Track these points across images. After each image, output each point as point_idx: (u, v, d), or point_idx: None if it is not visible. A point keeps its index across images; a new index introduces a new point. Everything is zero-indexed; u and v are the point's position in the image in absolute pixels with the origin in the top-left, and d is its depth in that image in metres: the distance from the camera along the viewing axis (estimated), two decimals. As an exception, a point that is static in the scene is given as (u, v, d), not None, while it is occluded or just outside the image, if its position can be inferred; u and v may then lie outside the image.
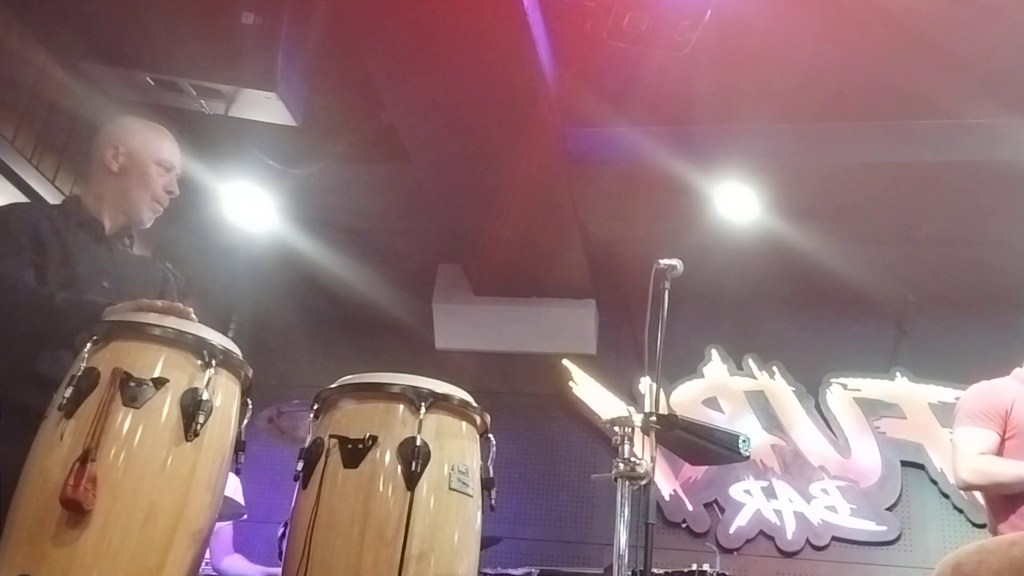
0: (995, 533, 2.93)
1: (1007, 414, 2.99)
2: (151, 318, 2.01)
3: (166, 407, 1.89)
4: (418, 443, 2.01)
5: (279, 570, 4.00)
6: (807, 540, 4.80)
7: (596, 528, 4.92)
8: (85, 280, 2.37)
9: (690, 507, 4.97)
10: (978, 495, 4.53)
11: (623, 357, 5.24)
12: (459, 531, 2.06)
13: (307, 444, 2.11)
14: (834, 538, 4.79)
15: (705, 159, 4.24)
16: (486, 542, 2.35)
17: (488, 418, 2.23)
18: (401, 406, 2.08)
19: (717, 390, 5.18)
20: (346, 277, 5.23)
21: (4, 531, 1.80)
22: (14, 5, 3.87)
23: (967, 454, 2.97)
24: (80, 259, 2.42)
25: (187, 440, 1.88)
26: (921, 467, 4.86)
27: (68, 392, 1.85)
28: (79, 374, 1.88)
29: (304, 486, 2.06)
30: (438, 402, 2.10)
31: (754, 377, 5.16)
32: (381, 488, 1.98)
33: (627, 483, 2.39)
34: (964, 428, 3.03)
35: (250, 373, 2.11)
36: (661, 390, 2.68)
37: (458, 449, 2.12)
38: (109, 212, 2.55)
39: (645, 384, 3.03)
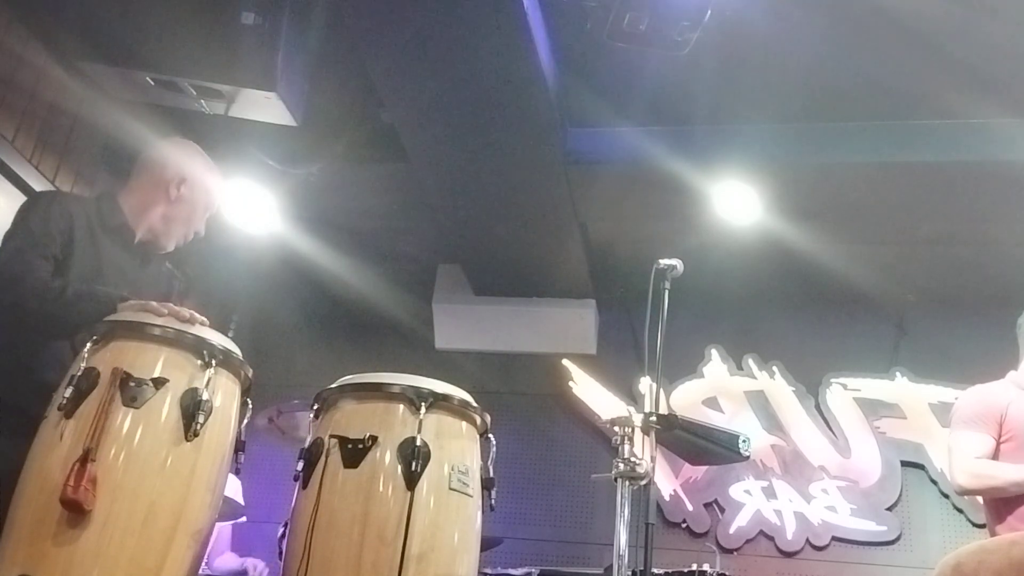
0: (993, 535, 2.93)
1: (1002, 418, 2.99)
2: (151, 318, 2.01)
3: (166, 407, 1.89)
4: (418, 443, 2.02)
5: (259, 561, 4.01)
6: (807, 540, 4.80)
7: (596, 528, 4.92)
8: (110, 284, 2.38)
9: (690, 507, 4.97)
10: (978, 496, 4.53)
11: (623, 357, 5.23)
12: (459, 531, 2.06)
13: (307, 444, 2.11)
14: (834, 538, 4.79)
15: (705, 159, 4.24)
16: (487, 543, 2.35)
17: (488, 418, 2.24)
18: (401, 406, 2.09)
19: (717, 390, 5.18)
20: (346, 277, 5.23)
21: (4, 531, 1.80)
22: (14, 5, 3.87)
23: (963, 459, 2.97)
24: (107, 264, 2.47)
25: (187, 440, 1.88)
26: (921, 467, 4.86)
27: (68, 392, 1.85)
28: (79, 374, 1.88)
29: (304, 486, 2.06)
30: (438, 402, 2.11)
31: (754, 377, 5.16)
32: (381, 488, 1.98)
33: (627, 483, 2.39)
34: (960, 433, 3.04)
35: (250, 373, 2.11)
36: (661, 390, 2.68)
37: (458, 449, 2.12)
38: (144, 226, 2.60)
39: (645, 384, 3.02)
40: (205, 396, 1.91)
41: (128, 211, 2.58)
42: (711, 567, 3.31)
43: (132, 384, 1.87)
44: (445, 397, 2.13)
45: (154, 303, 2.05)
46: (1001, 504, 2.92)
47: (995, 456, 2.97)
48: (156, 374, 1.90)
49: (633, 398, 5.09)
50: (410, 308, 5.37)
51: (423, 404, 2.07)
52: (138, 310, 2.06)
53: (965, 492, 3.14)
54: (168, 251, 2.69)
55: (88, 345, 1.92)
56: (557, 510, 5.09)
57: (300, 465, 2.08)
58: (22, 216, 2.42)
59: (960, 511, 4.71)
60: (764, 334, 5.22)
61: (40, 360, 2.22)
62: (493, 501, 2.19)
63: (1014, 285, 4.77)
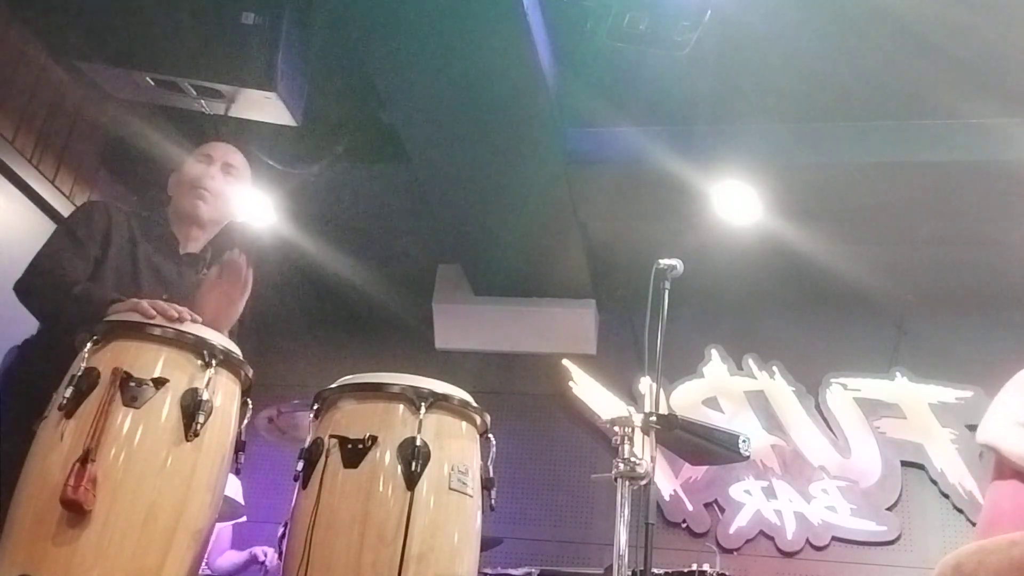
0: (990, 487, 2.93)
1: None
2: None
3: (166, 407, 1.89)
4: (418, 443, 2.01)
5: (262, 548, 3.99)
6: (807, 540, 4.80)
7: (596, 528, 4.92)
8: (147, 290, 2.40)
9: (690, 507, 4.97)
10: (977, 494, 4.54)
11: (623, 357, 5.23)
12: (459, 531, 2.06)
13: (307, 444, 2.11)
14: (834, 538, 4.79)
15: (705, 159, 4.24)
16: (487, 543, 2.35)
17: (488, 418, 2.23)
18: (401, 406, 2.09)
19: (717, 390, 5.18)
20: (346, 277, 5.24)
21: (4, 531, 1.80)
22: (14, 5, 3.87)
23: (1004, 417, 2.96)
24: (144, 269, 2.50)
25: (187, 440, 1.88)
26: (921, 467, 4.86)
27: (68, 392, 1.85)
28: (79, 374, 1.88)
29: (304, 486, 2.06)
30: (438, 402, 2.10)
31: (754, 377, 5.16)
32: (381, 488, 1.98)
33: (627, 483, 2.39)
34: (1013, 396, 3.03)
35: (250, 373, 2.11)
36: (661, 390, 2.68)
37: (458, 449, 2.12)
38: (179, 232, 2.66)
39: (645, 384, 3.02)
40: (205, 396, 1.91)
41: (173, 221, 2.66)
42: (711, 567, 3.31)
43: (132, 384, 1.86)
44: (445, 397, 2.12)
45: (144, 302, 2.04)
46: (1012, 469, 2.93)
47: None
48: (156, 374, 1.90)
49: (633, 398, 5.09)
50: (410, 308, 5.37)
51: (423, 404, 2.06)
52: (128, 310, 2.06)
53: (988, 446, 3.13)
54: (204, 219, 2.71)
55: (88, 345, 1.92)
56: (557, 510, 5.09)
57: (300, 465, 2.08)
58: (65, 221, 2.57)
59: (960, 511, 4.71)
60: (764, 334, 5.23)
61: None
62: (493, 501, 2.19)
63: (1015, 285, 4.78)
